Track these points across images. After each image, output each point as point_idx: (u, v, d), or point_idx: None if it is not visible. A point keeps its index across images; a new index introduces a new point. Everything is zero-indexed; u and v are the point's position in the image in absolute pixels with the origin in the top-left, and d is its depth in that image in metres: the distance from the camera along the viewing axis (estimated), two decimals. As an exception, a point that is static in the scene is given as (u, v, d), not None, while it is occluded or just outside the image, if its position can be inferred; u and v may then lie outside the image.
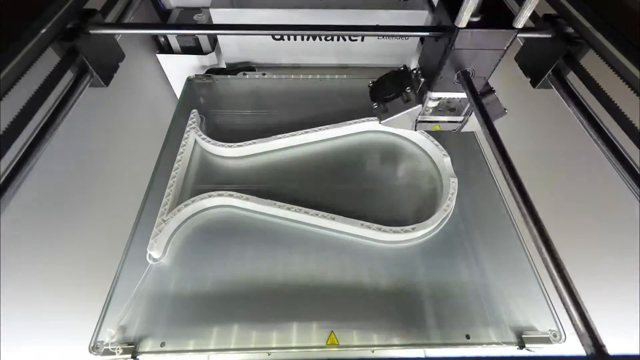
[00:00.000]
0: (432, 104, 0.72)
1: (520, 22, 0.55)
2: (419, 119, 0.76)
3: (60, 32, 0.68)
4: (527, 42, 0.86)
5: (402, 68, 0.76)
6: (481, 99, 0.60)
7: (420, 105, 0.72)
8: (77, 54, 0.71)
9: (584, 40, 0.71)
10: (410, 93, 0.70)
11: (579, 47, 0.73)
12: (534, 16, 0.84)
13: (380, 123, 0.75)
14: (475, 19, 0.55)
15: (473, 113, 0.73)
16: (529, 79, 0.84)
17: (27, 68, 0.61)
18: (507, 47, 0.59)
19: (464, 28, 0.55)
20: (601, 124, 0.68)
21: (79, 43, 0.70)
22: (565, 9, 0.75)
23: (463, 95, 0.68)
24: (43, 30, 0.64)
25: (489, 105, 0.71)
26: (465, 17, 0.53)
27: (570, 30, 0.74)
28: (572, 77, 0.76)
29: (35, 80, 0.63)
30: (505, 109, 0.73)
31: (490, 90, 0.71)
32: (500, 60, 0.62)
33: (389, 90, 0.73)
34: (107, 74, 0.80)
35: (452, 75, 0.63)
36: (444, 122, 0.77)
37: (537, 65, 0.81)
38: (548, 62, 0.77)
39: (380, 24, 1.42)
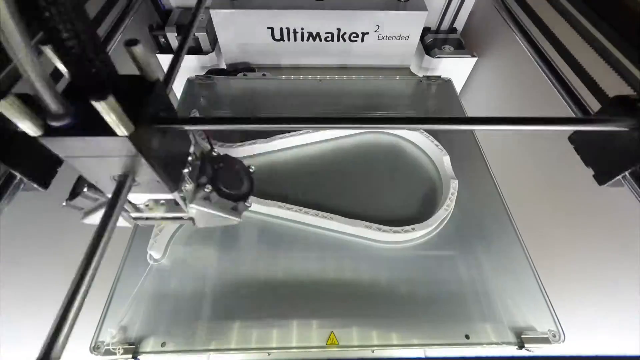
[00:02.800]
0: (137, 201, 0.57)
1: (122, 130, 0.36)
2: (134, 215, 0.60)
3: None
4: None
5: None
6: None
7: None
8: None
9: None
10: (88, 192, 0.54)
11: None
12: (601, 96, 0.67)
13: (83, 221, 0.60)
14: (58, 123, 0.37)
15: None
16: (592, 174, 0.65)
17: None
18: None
19: (42, 136, 0.38)
20: None
21: None
22: None
23: (151, 195, 0.55)
24: None
25: (207, 203, 0.58)
26: (25, 126, 0.35)
27: None
28: None
29: None
30: (247, 203, 0.62)
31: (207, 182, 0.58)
32: (148, 163, 0.44)
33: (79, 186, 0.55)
34: (43, 176, 0.63)
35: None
36: (168, 217, 0.60)
37: (606, 159, 0.61)
38: (624, 161, 0.57)
39: (380, 24, 1.42)
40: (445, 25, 1.72)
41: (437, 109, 1.26)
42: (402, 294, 0.81)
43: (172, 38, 1.56)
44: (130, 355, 0.70)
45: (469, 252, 0.88)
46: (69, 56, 0.36)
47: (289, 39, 1.48)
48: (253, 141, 1.05)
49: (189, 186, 0.54)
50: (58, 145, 0.39)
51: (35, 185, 0.62)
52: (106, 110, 0.33)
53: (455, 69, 1.64)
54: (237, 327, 0.75)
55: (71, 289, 0.36)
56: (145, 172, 0.44)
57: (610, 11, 0.66)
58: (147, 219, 0.60)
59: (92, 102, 0.32)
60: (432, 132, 1.08)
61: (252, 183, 0.62)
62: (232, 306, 0.78)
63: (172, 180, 0.50)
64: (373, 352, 0.75)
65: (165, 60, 1.62)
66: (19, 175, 0.60)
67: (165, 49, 1.61)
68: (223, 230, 0.91)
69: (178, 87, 1.64)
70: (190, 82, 1.30)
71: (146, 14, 1.57)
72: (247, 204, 0.61)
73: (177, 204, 0.56)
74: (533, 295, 0.81)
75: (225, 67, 1.62)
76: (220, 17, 1.39)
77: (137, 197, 0.55)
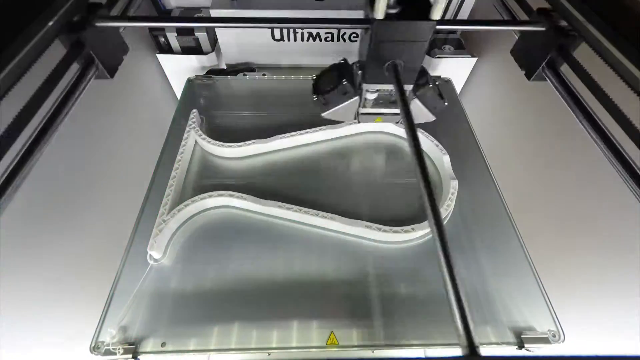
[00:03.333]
0: (370, 96, 0.73)
1: (436, 14, 0.55)
2: (361, 111, 0.76)
3: (66, 25, 0.69)
4: (521, 36, 0.87)
5: (342, 61, 0.75)
6: (404, 92, 0.60)
7: (357, 98, 0.72)
8: (83, 46, 0.72)
9: (577, 32, 0.71)
10: (346, 85, 0.70)
11: (572, 40, 0.73)
12: (528, 9, 0.86)
13: (321, 115, 0.75)
14: (393, 11, 0.55)
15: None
16: (524, 72, 0.85)
17: (34, 60, 0.61)
18: (430, 39, 0.59)
19: (382, 20, 0.55)
20: (595, 117, 0.68)
21: (85, 35, 0.71)
22: (559, 2, 0.76)
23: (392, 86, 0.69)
24: (50, 23, 0.64)
25: (426, 97, 0.72)
26: (381, 8, 0.53)
27: (563, 23, 0.75)
28: (566, 71, 0.77)
29: (43, 73, 0.64)
30: (445, 101, 0.73)
31: (427, 82, 0.71)
32: (425, 51, 0.62)
33: (329, 83, 0.71)
34: (112, 66, 0.81)
35: (382, 67, 0.63)
36: (386, 114, 0.77)
37: (531, 58, 0.82)
38: (542, 54, 0.77)
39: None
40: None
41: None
42: (402, 293, 0.81)
43: (172, 38, 1.56)
44: (130, 355, 0.70)
45: (468, 252, 0.88)
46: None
47: (289, 39, 1.48)
48: (253, 141, 1.05)
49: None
50: (388, 29, 0.56)
51: (106, 74, 0.78)
52: None
53: (455, 69, 1.64)
54: (237, 327, 0.75)
55: None
56: (417, 58, 0.61)
57: (610, 11, 0.67)
58: (370, 114, 0.77)
59: None
60: (432, 132, 1.08)
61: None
62: (232, 306, 0.78)
63: (416, 72, 0.65)
64: (373, 352, 0.75)
65: (165, 60, 1.62)
66: (96, 62, 0.75)
67: (165, 49, 1.61)
68: (223, 230, 0.91)
69: (178, 87, 1.65)
70: (190, 82, 1.30)
71: (146, 13, 1.57)
72: (445, 103, 0.74)
73: (391, 102, 0.75)
74: (533, 295, 0.81)
75: (225, 67, 1.62)
76: (221, 17, 1.38)
77: (374, 93, 0.71)
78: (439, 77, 1.34)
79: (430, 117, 0.77)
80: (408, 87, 0.69)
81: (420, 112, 0.75)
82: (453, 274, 0.43)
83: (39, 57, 0.62)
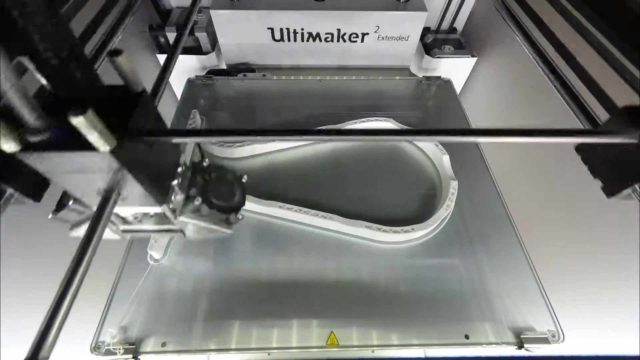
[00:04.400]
0: (125, 214, 0.56)
1: (104, 146, 0.35)
2: (123, 228, 0.59)
3: None
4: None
5: None
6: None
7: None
8: None
9: None
10: (73, 205, 0.54)
11: None
12: (607, 104, 0.65)
13: (70, 235, 0.58)
14: (37, 138, 0.36)
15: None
16: (601, 186, 0.64)
17: None
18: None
19: (20, 151, 0.36)
20: None
21: None
22: None
23: (139, 209, 0.52)
24: None
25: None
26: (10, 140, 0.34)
27: None
28: None
29: None
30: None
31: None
32: (134, 178, 0.43)
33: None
34: (36, 189, 0.58)
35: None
36: (158, 230, 0.59)
37: (616, 172, 0.60)
38: (634, 172, 0.56)
39: (380, 25, 1.42)
40: (445, 25, 1.72)
41: (437, 109, 1.26)
42: (402, 294, 0.81)
43: (172, 38, 1.56)
44: (131, 356, 0.70)
45: (468, 252, 0.88)
46: (48, 69, 0.34)
47: (289, 40, 1.48)
48: (253, 141, 1.05)
49: (178, 197, 0.52)
50: (38, 161, 0.37)
51: (26, 199, 0.58)
52: (85, 126, 0.31)
53: (455, 69, 1.64)
54: (237, 327, 0.75)
55: (56, 297, 0.36)
56: (132, 185, 0.42)
57: (610, 11, 0.66)
58: (136, 231, 0.58)
59: (70, 118, 0.30)
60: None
61: (244, 194, 0.60)
62: (232, 306, 0.78)
63: (161, 194, 0.48)
64: (373, 352, 0.75)
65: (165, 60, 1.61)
66: (8, 191, 0.55)
67: (165, 49, 1.61)
68: (223, 230, 0.91)
69: (178, 88, 1.65)
70: (190, 82, 1.30)
71: (146, 14, 1.57)
72: (239, 216, 0.59)
73: (166, 216, 0.53)
74: (532, 296, 0.81)
75: (225, 67, 1.62)
76: (220, 18, 1.39)
77: (125, 210, 0.53)
78: (439, 77, 1.34)
79: (224, 232, 0.59)
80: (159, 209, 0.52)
81: (202, 229, 0.58)
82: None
83: None
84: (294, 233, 0.90)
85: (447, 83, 1.34)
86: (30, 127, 0.34)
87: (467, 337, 0.75)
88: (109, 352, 0.70)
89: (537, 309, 0.79)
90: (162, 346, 0.72)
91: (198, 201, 0.54)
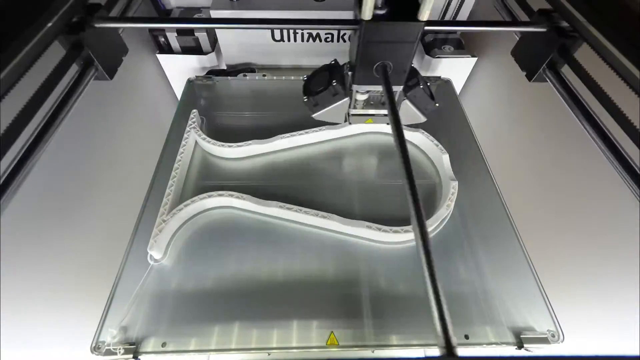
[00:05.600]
0: (361, 97, 0.72)
1: (424, 15, 0.54)
2: (352, 112, 0.76)
3: (65, 26, 0.69)
4: (522, 37, 0.87)
5: (333, 62, 0.75)
6: (392, 94, 0.60)
7: (347, 99, 0.72)
8: (82, 47, 0.72)
9: (578, 33, 0.72)
10: (337, 86, 0.69)
11: (573, 41, 0.74)
12: (529, 10, 0.86)
13: (312, 116, 0.75)
14: (380, 12, 0.55)
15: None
16: (525, 73, 0.85)
17: (33, 61, 0.62)
18: (418, 40, 0.59)
19: (370, 21, 0.55)
20: (595, 117, 0.69)
21: (84, 36, 0.71)
22: (560, 3, 0.76)
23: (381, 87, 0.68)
24: (49, 24, 0.64)
25: (416, 98, 0.72)
26: (368, 9, 0.53)
27: (564, 24, 0.75)
28: (567, 72, 0.77)
29: (42, 74, 0.64)
30: (436, 102, 0.74)
31: (417, 83, 0.71)
32: (413, 52, 0.61)
33: (319, 84, 0.71)
34: (111, 68, 0.81)
35: (371, 69, 0.63)
36: (376, 115, 0.77)
37: (532, 59, 0.82)
38: (543, 55, 0.78)
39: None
40: (445, 25, 1.72)
41: (436, 109, 1.26)
42: (402, 293, 0.81)
43: (172, 38, 1.56)
44: (131, 355, 0.70)
45: (468, 252, 0.88)
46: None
47: (289, 40, 1.48)
48: (253, 141, 1.05)
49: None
50: (376, 30, 0.56)
51: (105, 75, 0.79)
52: None
53: (455, 69, 1.64)
54: (237, 327, 0.75)
55: None
56: (405, 60, 0.61)
57: (610, 11, 0.67)
58: (360, 115, 0.77)
59: None
60: (432, 132, 1.08)
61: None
62: (232, 306, 0.78)
63: (405, 73, 0.65)
64: (373, 352, 0.75)
65: (165, 60, 1.62)
66: (95, 63, 0.75)
67: (165, 49, 1.61)
68: (223, 230, 0.91)
69: (178, 88, 1.65)
70: (190, 82, 1.30)
71: (146, 14, 1.57)
72: (436, 105, 0.76)
73: (382, 103, 0.74)
74: (532, 296, 0.81)
75: (225, 67, 1.62)
76: (221, 18, 1.38)
77: (364, 94, 0.72)
78: (439, 77, 1.34)
79: (421, 118, 0.77)
80: (398, 88, 0.69)
81: (411, 113, 0.75)
82: (434, 274, 0.45)
83: (38, 58, 0.63)
84: (294, 233, 0.91)
85: (447, 83, 1.34)
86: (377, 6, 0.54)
87: (467, 337, 0.75)
88: (109, 352, 0.70)
89: (536, 309, 0.79)
90: (162, 346, 0.72)
91: (421, 85, 0.73)
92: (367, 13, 0.53)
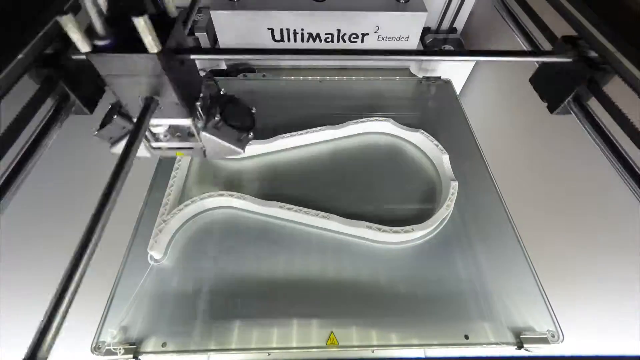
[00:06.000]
0: (157, 130, 0.63)
1: (153, 47, 0.45)
2: (153, 145, 0.67)
3: (36, 59, 0.62)
4: (542, 64, 0.79)
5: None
6: (141, 129, 0.51)
7: (126, 128, 0.63)
8: (56, 81, 0.65)
9: (610, 66, 0.64)
10: (118, 119, 0.61)
11: (604, 73, 0.66)
12: (550, 37, 0.79)
13: (111, 151, 0.66)
14: (101, 43, 0.47)
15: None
16: (546, 104, 0.78)
17: (1, 96, 0.56)
18: (165, 72, 0.50)
19: (90, 52, 0.46)
20: (622, 151, 0.63)
21: (58, 69, 0.64)
22: (585, 29, 0.68)
23: (171, 120, 0.61)
24: (19, 56, 0.58)
25: (219, 131, 0.66)
26: (81, 40, 0.44)
27: (592, 54, 0.67)
28: (593, 104, 0.70)
29: (13, 109, 0.59)
30: (249, 133, 0.70)
31: (217, 114, 0.66)
32: (174, 87, 0.52)
33: (108, 117, 0.63)
34: (91, 102, 0.73)
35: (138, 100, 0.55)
36: (182, 148, 0.68)
37: (555, 90, 0.74)
38: (568, 87, 0.70)
39: (380, 25, 1.42)
40: (445, 25, 1.72)
41: (436, 109, 1.26)
42: (402, 293, 0.81)
43: (173, 38, 1.56)
44: (131, 356, 0.70)
45: (468, 252, 0.88)
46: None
47: (289, 40, 1.48)
48: (253, 141, 1.05)
49: (200, 119, 0.64)
50: (101, 62, 0.48)
51: (84, 109, 0.73)
52: (142, 26, 0.42)
53: (455, 69, 1.64)
54: (237, 327, 0.75)
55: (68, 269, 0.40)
56: (168, 93, 0.53)
57: (610, 11, 0.67)
58: (164, 149, 0.69)
59: (133, 18, 0.41)
60: (432, 132, 1.08)
61: (254, 119, 0.74)
62: (232, 306, 0.78)
63: (189, 108, 0.59)
64: (373, 352, 0.75)
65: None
66: (72, 99, 0.70)
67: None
68: (224, 230, 0.91)
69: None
70: (190, 82, 1.30)
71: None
72: (250, 136, 0.71)
73: (190, 134, 0.65)
74: (532, 296, 0.81)
75: (225, 67, 1.62)
76: (220, 18, 1.39)
77: (157, 127, 0.64)
78: (439, 77, 1.35)
79: (237, 151, 0.69)
80: (187, 122, 0.61)
81: (220, 146, 0.67)
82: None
83: (6, 93, 0.56)
84: (294, 233, 0.91)
85: (447, 83, 1.34)
86: (98, 34, 0.46)
87: (466, 337, 0.75)
88: (109, 352, 0.70)
89: (536, 309, 0.79)
90: (162, 346, 0.72)
91: (218, 117, 0.66)
92: (83, 45, 0.45)
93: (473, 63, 1.64)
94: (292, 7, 1.37)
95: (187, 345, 0.73)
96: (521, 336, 0.74)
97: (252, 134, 0.71)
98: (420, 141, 1.10)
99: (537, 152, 1.27)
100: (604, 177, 0.93)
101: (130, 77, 0.50)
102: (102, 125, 0.64)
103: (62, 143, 0.71)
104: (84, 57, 0.58)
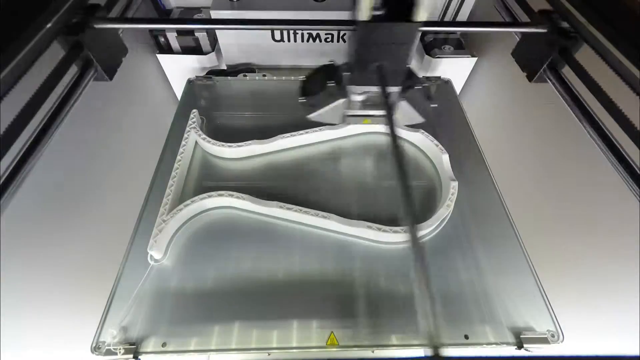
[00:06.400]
0: (357, 98, 0.72)
1: (420, 16, 0.54)
2: (347, 112, 0.76)
3: (65, 27, 0.70)
4: (522, 37, 0.87)
5: (331, 62, 0.75)
6: (388, 95, 0.60)
7: (343, 100, 0.72)
8: (81, 48, 0.72)
9: (579, 34, 0.72)
10: (332, 87, 0.70)
11: (574, 42, 0.74)
12: (529, 11, 0.86)
13: (307, 117, 0.76)
14: (377, 12, 0.55)
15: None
16: (525, 74, 0.86)
17: (32, 62, 0.62)
18: (415, 41, 0.59)
19: (366, 21, 0.55)
20: (596, 118, 0.69)
21: (84, 37, 0.71)
22: (560, 3, 0.76)
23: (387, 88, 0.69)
24: (48, 25, 0.65)
25: (413, 99, 0.72)
26: (365, 9, 0.53)
27: (565, 24, 0.75)
28: (568, 72, 0.77)
29: (41, 75, 0.64)
30: (433, 103, 0.75)
31: (414, 85, 0.71)
32: (410, 53, 0.61)
33: (316, 85, 0.72)
34: (111, 68, 0.82)
35: (367, 69, 0.63)
36: (373, 116, 0.78)
37: (532, 60, 0.83)
38: (543, 56, 0.78)
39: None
40: (445, 25, 1.72)
41: (437, 109, 1.26)
42: (402, 293, 0.81)
43: (172, 38, 1.56)
44: (131, 356, 0.70)
45: (468, 252, 0.88)
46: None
47: (289, 40, 1.48)
48: (253, 141, 1.05)
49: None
50: (372, 30, 0.56)
51: (104, 76, 0.80)
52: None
53: (455, 69, 1.64)
54: (237, 327, 0.75)
55: None
56: (402, 60, 0.62)
57: (610, 11, 0.67)
58: (357, 116, 0.80)
59: None
60: (432, 132, 1.08)
61: (430, 96, 0.83)
62: (232, 306, 0.78)
63: (404, 75, 0.67)
64: (373, 352, 0.75)
65: (165, 60, 1.62)
66: (94, 64, 0.76)
67: (165, 49, 1.61)
68: (223, 230, 0.91)
69: (178, 88, 1.65)
70: (190, 82, 1.30)
71: (146, 14, 1.57)
72: (433, 104, 0.83)
73: (381, 104, 0.68)
74: (532, 296, 0.81)
75: (225, 67, 1.62)
76: (220, 18, 1.39)
77: (362, 94, 0.72)
78: (439, 77, 1.34)
79: (418, 119, 0.77)
80: (395, 89, 0.69)
81: (408, 114, 0.75)
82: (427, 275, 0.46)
83: (38, 58, 0.63)
84: (294, 233, 0.91)
85: (447, 83, 1.34)
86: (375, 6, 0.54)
87: (466, 337, 0.75)
88: (109, 352, 0.70)
89: (536, 309, 0.79)
90: (162, 346, 0.72)
91: (418, 87, 0.74)
92: (364, 14, 0.54)
93: (473, 63, 1.64)
94: (292, 6, 1.37)
95: (187, 345, 0.73)
96: (521, 336, 0.74)
97: (435, 104, 0.80)
98: (420, 141, 1.10)
99: (537, 152, 1.27)
100: (604, 177, 0.93)
101: (383, 45, 0.58)
102: (308, 93, 0.72)
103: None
104: (107, 26, 0.73)
